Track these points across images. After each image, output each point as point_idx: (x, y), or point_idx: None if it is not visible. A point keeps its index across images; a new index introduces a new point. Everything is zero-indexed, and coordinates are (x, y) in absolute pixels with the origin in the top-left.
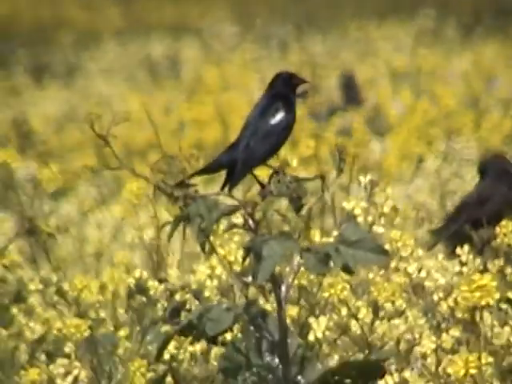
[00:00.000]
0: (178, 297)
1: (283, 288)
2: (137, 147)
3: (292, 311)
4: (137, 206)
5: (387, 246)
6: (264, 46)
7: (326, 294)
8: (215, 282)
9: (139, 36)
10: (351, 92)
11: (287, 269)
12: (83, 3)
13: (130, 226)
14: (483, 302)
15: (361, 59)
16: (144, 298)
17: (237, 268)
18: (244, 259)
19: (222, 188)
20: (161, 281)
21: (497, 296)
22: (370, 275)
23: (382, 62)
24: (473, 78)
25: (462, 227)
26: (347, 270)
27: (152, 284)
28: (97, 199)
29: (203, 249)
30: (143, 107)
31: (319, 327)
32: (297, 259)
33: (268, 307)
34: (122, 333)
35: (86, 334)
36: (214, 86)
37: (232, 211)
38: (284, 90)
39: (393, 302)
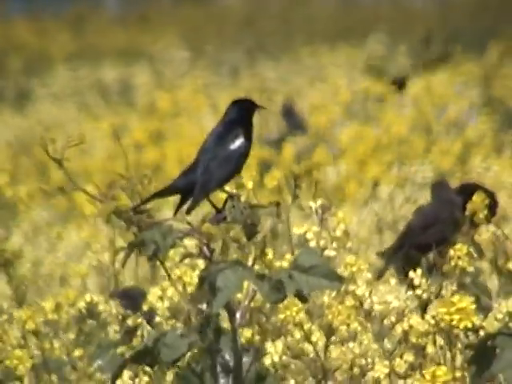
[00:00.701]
0: (130, 321)
1: (238, 315)
2: (86, 171)
3: (248, 333)
4: (92, 231)
5: (341, 270)
6: (215, 72)
7: (281, 317)
8: (166, 304)
9: (90, 61)
10: (293, 120)
11: (241, 295)
12: (34, 28)
13: (85, 250)
14: (462, 325)
15: (312, 85)
16: (95, 322)
17: (189, 290)
18: (199, 287)
19: (175, 212)
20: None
21: (475, 319)
22: (325, 298)
23: (332, 88)
24: (422, 102)
25: (409, 251)
26: (301, 297)
27: (104, 308)
28: (50, 223)
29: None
30: (94, 131)
31: (276, 351)
32: (252, 285)
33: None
34: (76, 353)
35: (29, 364)
36: (165, 111)
37: (185, 236)
38: (242, 117)
39: (348, 325)
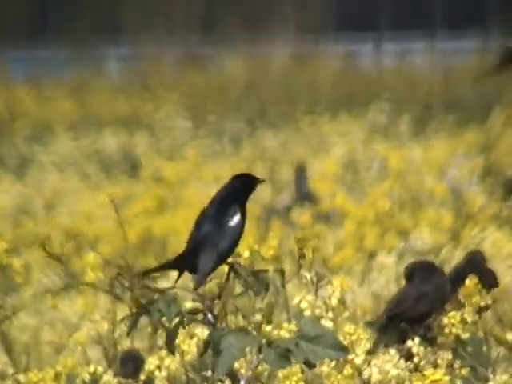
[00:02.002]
0: None
1: (242, 382)
2: (86, 240)
3: None
4: (91, 300)
5: (341, 340)
6: (216, 142)
7: None
8: (164, 373)
9: (92, 129)
10: (303, 186)
11: (245, 363)
12: (37, 96)
13: (85, 319)
14: None
15: (313, 154)
16: None
17: (187, 358)
18: (203, 353)
19: (176, 282)
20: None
21: None
22: (324, 367)
23: (334, 157)
24: (421, 172)
25: (397, 324)
26: (308, 364)
27: (107, 379)
28: (52, 291)
29: (171, 350)
30: (95, 202)
31: None
32: (255, 353)
33: None
34: None
35: None
36: (167, 181)
37: (196, 312)
38: (240, 193)
39: None
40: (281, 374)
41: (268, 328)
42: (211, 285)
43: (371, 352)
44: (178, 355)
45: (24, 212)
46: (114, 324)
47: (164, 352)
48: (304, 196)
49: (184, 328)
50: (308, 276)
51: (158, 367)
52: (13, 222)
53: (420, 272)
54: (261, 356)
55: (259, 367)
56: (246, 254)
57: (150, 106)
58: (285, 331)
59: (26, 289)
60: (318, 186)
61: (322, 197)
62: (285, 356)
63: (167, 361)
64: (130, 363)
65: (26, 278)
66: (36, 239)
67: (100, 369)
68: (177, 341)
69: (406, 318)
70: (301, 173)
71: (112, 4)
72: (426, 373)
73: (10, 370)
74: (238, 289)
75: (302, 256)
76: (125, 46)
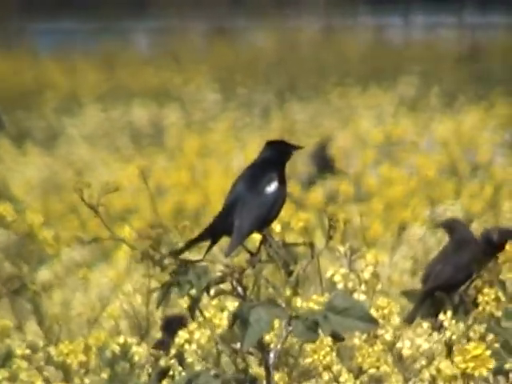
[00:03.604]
0: (162, 362)
1: (271, 355)
2: (116, 212)
3: (277, 377)
4: (125, 272)
5: (373, 313)
6: (246, 114)
7: (309, 360)
8: (194, 346)
9: (121, 101)
10: (324, 161)
11: (274, 336)
12: (65, 68)
13: (118, 291)
14: (477, 373)
15: (342, 127)
16: (128, 364)
17: (218, 332)
18: (231, 325)
19: (206, 253)
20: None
21: (492, 366)
22: (356, 340)
23: (363, 131)
24: (453, 146)
25: (433, 290)
26: (336, 337)
27: (136, 350)
28: (82, 264)
29: (193, 316)
30: (125, 173)
31: None
32: (284, 326)
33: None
34: None
35: None
36: (196, 153)
37: (222, 279)
38: (276, 159)
39: (377, 368)
40: (309, 348)
41: (296, 300)
42: (241, 257)
43: (408, 322)
44: (207, 328)
45: (53, 185)
46: (147, 297)
47: (194, 325)
48: (326, 169)
49: (208, 294)
50: (341, 249)
51: (188, 341)
52: (42, 194)
53: (458, 234)
54: (290, 328)
55: (289, 340)
56: (278, 228)
57: (179, 78)
58: (314, 303)
59: (55, 261)
60: (349, 161)
61: (353, 171)
62: (312, 328)
63: (197, 334)
64: (174, 326)
65: (57, 251)
66: (66, 213)
67: (130, 340)
68: (207, 314)
69: (445, 288)
70: (322, 148)
71: None
72: (467, 347)
73: (41, 342)
74: (269, 261)
75: (332, 228)
76: (152, 18)
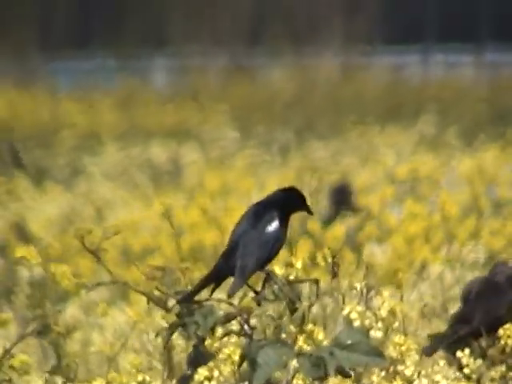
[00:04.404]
0: None
1: None
2: (135, 251)
3: None
4: (144, 312)
5: (390, 351)
6: (265, 152)
7: None
8: None
9: (140, 140)
10: (344, 199)
11: (282, 374)
12: (83, 107)
13: (137, 330)
14: None
15: (362, 165)
16: None
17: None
18: (239, 365)
19: (212, 293)
20: None
21: None
22: (374, 378)
23: (383, 169)
24: (473, 183)
25: (463, 336)
26: (343, 373)
27: None
28: (101, 303)
29: (197, 357)
30: (146, 212)
31: None
32: (292, 364)
33: None
34: None
35: None
36: (215, 191)
37: (228, 319)
38: (281, 202)
39: None
40: None
41: (301, 338)
42: (246, 296)
43: (427, 354)
44: (226, 366)
45: (73, 222)
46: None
47: (212, 363)
48: (346, 207)
49: (213, 334)
50: (358, 286)
51: (208, 379)
52: (61, 232)
53: (485, 289)
54: (296, 365)
55: (300, 378)
56: (299, 264)
57: (197, 116)
58: (319, 341)
59: (75, 300)
60: (370, 198)
61: (374, 208)
62: (318, 364)
63: (216, 372)
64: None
65: (76, 289)
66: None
67: (148, 378)
68: (227, 351)
69: (473, 334)
70: (341, 186)
71: (159, 15)
72: None
73: (59, 381)
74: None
75: (335, 265)
76: (172, 57)
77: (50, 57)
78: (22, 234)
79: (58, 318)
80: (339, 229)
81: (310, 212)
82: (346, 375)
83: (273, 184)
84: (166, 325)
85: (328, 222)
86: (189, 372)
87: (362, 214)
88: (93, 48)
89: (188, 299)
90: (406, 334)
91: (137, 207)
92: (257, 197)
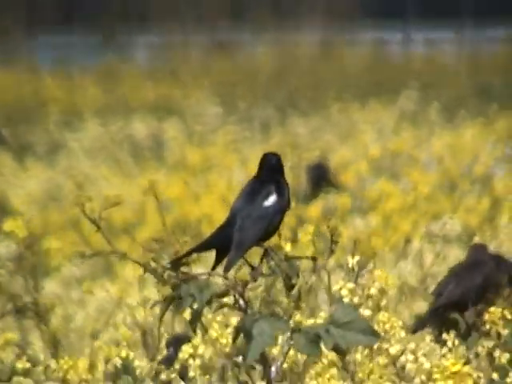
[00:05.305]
0: (164, 376)
1: (273, 368)
2: (117, 225)
3: None
4: (128, 286)
5: (375, 328)
6: (246, 128)
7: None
8: (198, 361)
9: (121, 115)
10: (321, 176)
11: (277, 349)
12: (65, 82)
13: (121, 305)
14: None
15: (342, 141)
16: (130, 378)
17: (224, 347)
18: (234, 339)
19: (213, 268)
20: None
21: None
22: (357, 356)
23: (363, 145)
24: (452, 160)
25: (446, 311)
26: (338, 350)
27: (139, 364)
28: (81, 278)
29: (194, 329)
30: (128, 187)
31: None
32: (286, 340)
33: None
34: None
35: None
36: (197, 167)
37: (224, 293)
38: (274, 173)
39: None
40: (313, 371)
41: (298, 314)
42: (242, 271)
43: (412, 332)
44: (210, 343)
45: (54, 198)
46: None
47: (197, 340)
48: (323, 184)
49: (210, 308)
50: (351, 262)
51: (192, 356)
52: (43, 208)
53: (475, 255)
54: (291, 342)
55: (293, 356)
56: (288, 246)
57: (179, 92)
58: (316, 317)
59: (56, 275)
60: (349, 174)
61: (353, 184)
62: (314, 342)
63: (201, 349)
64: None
65: (56, 264)
66: (67, 226)
67: (132, 354)
68: (211, 329)
69: (455, 307)
70: (318, 163)
71: None
72: (446, 364)
73: (42, 356)
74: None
75: (334, 242)
76: (153, 33)
77: (32, 32)
78: (3, 209)
79: (39, 295)
80: (318, 206)
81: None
82: (340, 352)
83: (254, 160)
84: (156, 298)
85: (307, 199)
86: (169, 351)
87: (340, 191)
88: (75, 24)
89: (176, 263)
90: (388, 312)
91: (118, 182)
92: (239, 173)
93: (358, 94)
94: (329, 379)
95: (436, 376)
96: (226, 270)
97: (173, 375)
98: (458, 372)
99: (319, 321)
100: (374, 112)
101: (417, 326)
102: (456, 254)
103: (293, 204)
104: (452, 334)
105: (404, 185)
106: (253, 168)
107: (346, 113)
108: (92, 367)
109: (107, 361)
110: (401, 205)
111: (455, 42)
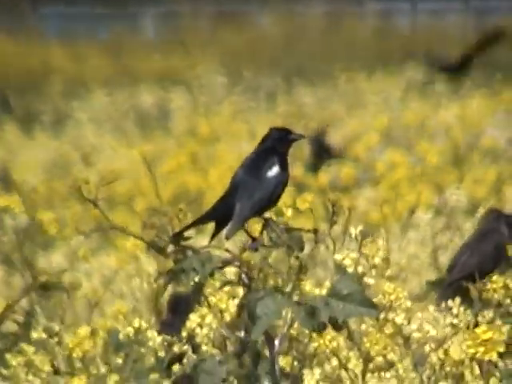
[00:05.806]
0: (176, 348)
1: (276, 342)
2: (120, 196)
3: (283, 361)
4: (132, 258)
5: (380, 298)
6: (252, 98)
7: (315, 345)
8: (205, 331)
9: (128, 86)
10: (322, 148)
11: (280, 322)
12: (70, 52)
13: (125, 276)
14: (487, 357)
15: (349, 112)
16: (142, 349)
17: (226, 317)
18: (238, 315)
19: (211, 239)
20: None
21: (501, 349)
22: (363, 326)
23: (370, 115)
24: (459, 130)
25: (458, 280)
26: (336, 326)
27: (151, 335)
28: (87, 250)
29: (197, 301)
30: (130, 157)
31: (312, 379)
32: (289, 313)
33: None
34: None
35: None
36: (204, 137)
37: (225, 265)
38: (279, 146)
39: (384, 356)
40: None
41: (300, 286)
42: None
43: (417, 301)
44: (218, 314)
45: (59, 167)
46: (154, 281)
47: (205, 310)
48: (324, 155)
49: (213, 280)
50: (353, 232)
51: (200, 325)
52: (48, 177)
53: (486, 222)
54: (293, 315)
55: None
56: (289, 212)
57: (185, 62)
58: (317, 289)
59: (61, 244)
60: (356, 145)
61: (360, 155)
62: (313, 314)
63: (208, 318)
64: (181, 307)
65: (61, 233)
66: (71, 196)
67: (144, 324)
68: (213, 299)
69: (470, 278)
70: (319, 134)
71: None
72: (477, 331)
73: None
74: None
75: (335, 214)
76: (160, 3)
77: (38, 2)
78: (8, 180)
79: (61, 277)
80: (324, 177)
81: (302, 136)
82: (338, 328)
83: (260, 130)
84: (154, 272)
85: (311, 169)
86: (169, 317)
87: (343, 162)
88: None
89: (179, 235)
90: (396, 281)
91: (124, 152)
92: (244, 142)
93: (365, 64)
94: (330, 340)
95: (468, 343)
96: (227, 238)
97: (185, 347)
98: (489, 340)
99: (324, 291)
100: (380, 83)
101: (438, 300)
102: (462, 225)
103: (300, 174)
104: (457, 300)
105: (412, 156)
106: (259, 138)
107: (352, 83)
108: (94, 338)
109: (117, 331)
110: (409, 175)
111: (462, 13)
